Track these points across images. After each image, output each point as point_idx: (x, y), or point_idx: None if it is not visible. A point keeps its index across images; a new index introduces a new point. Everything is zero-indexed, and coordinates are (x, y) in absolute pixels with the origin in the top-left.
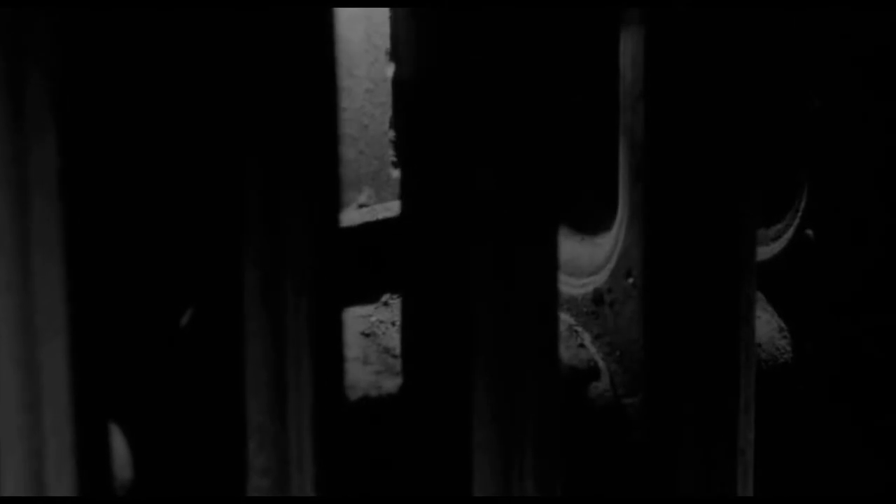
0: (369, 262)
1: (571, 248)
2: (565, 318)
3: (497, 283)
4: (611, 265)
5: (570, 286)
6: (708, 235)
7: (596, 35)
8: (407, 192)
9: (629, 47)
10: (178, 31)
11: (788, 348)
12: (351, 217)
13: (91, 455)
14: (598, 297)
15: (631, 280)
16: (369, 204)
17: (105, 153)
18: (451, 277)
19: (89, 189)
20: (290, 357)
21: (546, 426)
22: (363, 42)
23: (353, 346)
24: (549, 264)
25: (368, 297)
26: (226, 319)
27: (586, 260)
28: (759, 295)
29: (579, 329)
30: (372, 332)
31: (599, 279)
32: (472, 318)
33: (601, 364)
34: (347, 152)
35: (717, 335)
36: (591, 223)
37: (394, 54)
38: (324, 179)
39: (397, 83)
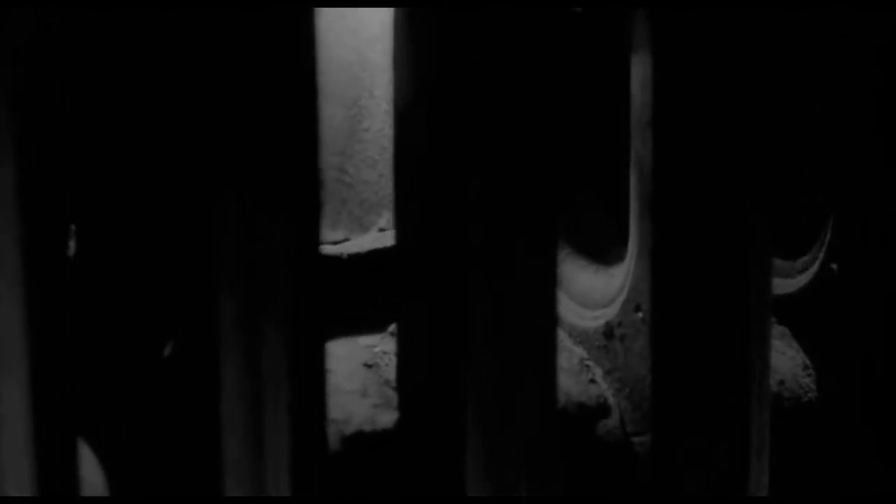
0: (379, 289)
1: (586, 279)
2: (578, 351)
3: (491, 317)
4: (621, 298)
5: (583, 319)
6: (717, 270)
7: (610, 52)
8: (401, 219)
9: (639, 70)
10: (145, 56)
11: (813, 386)
12: (361, 242)
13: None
14: (608, 332)
15: (640, 315)
16: (388, 228)
17: (77, 181)
18: (444, 308)
19: (61, 216)
20: (268, 391)
21: (544, 464)
22: (383, 61)
23: (354, 377)
24: (547, 294)
25: (376, 326)
26: (202, 352)
27: (600, 292)
28: (785, 330)
29: (591, 363)
30: (375, 363)
31: (611, 312)
32: (466, 352)
33: (611, 400)
34: (367, 174)
35: (727, 375)
36: (607, 253)
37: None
38: (301, 208)
39: (395, 105)
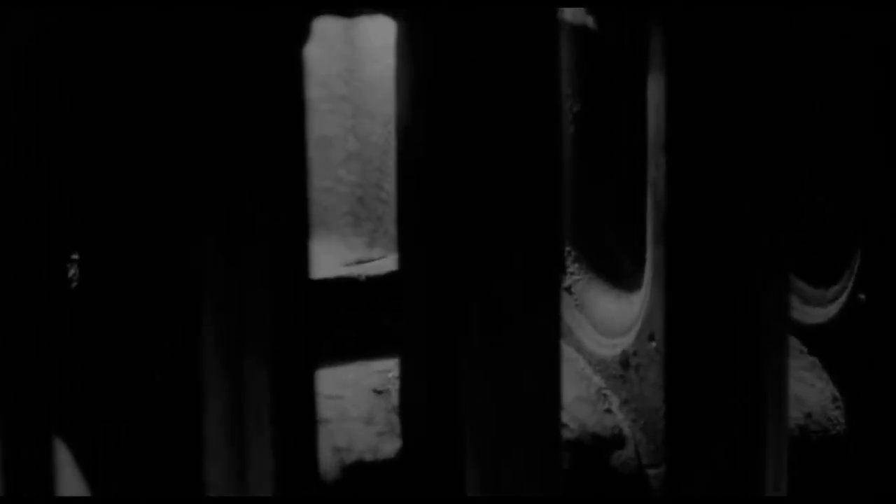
0: (394, 313)
1: (607, 305)
2: (596, 380)
3: (492, 345)
4: (637, 327)
5: (602, 346)
6: (731, 299)
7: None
8: (401, 243)
9: (654, 93)
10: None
11: (841, 419)
12: (381, 264)
13: None
14: (625, 361)
15: (654, 344)
16: None
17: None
18: (443, 337)
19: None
20: (251, 422)
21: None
22: None
23: (361, 404)
24: (551, 325)
25: (391, 350)
26: (185, 382)
27: (619, 319)
28: (815, 361)
29: (608, 393)
30: (385, 388)
31: (627, 341)
32: (464, 382)
33: (627, 431)
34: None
35: (742, 407)
36: (629, 279)
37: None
38: (281, 235)
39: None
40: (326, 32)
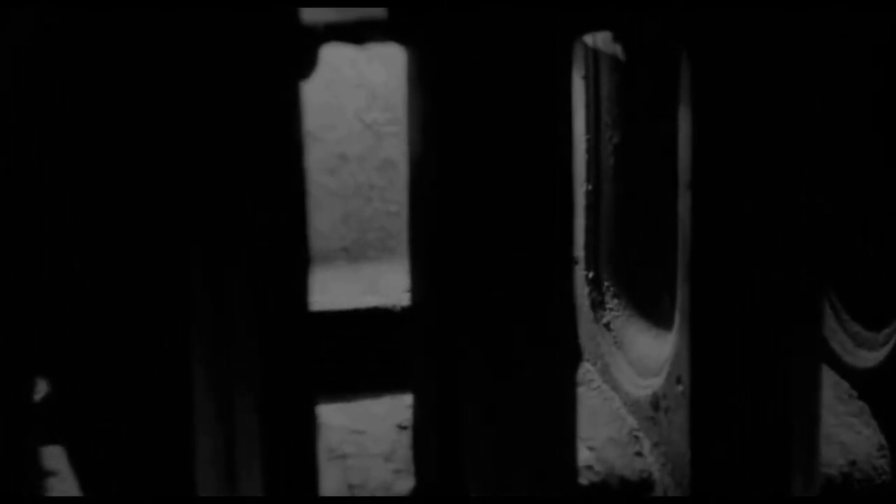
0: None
1: (644, 343)
2: (630, 421)
3: (497, 384)
4: (667, 368)
5: (637, 387)
6: (758, 344)
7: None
8: (413, 278)
9: (683, 126)
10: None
11: (887, 468)
12: (403, 297)
13: None
14: (655, 403)
15: (680, 387)
16: None
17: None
18: (448, 373)
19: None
20: (241, 458)
21: None
22: None
23: (383, 439)
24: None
25: None
26: (177, 416)
27: (654, 359)
28: (864, 406)
29: (641, 435)
30: (409, 424)
31: (657, 382)
32: (466, 424)
33: (656, 475)
34: None
35: (769, 456)
36: (667, 317)
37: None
38: (278, 266)
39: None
40: (391, 55)
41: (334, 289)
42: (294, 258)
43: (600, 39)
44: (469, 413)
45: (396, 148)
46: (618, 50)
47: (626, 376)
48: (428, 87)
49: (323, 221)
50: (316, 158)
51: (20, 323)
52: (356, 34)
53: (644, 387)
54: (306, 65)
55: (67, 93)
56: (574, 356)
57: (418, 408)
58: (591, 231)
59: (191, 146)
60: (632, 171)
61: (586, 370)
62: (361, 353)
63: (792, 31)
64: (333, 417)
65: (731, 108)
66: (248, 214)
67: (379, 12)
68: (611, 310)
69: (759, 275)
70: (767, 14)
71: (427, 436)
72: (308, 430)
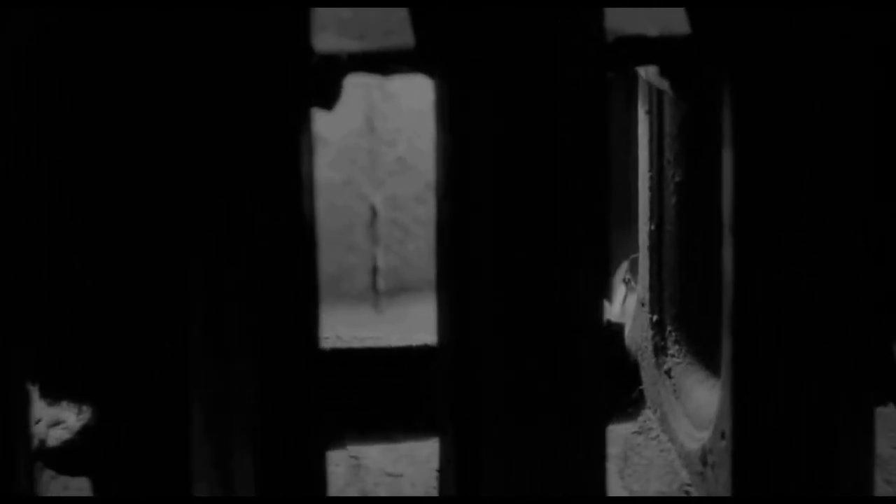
0: None
1: (701, 394)
2: (682, 475)
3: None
4: (714, 422)
5: (690, 439)
6: (800, 403)
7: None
8: (439, 320)
9: (726, 168)
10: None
11: None
12: None
13: None
14: (703, 457)
15: (724, 443)
16: None
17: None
18: (469, 420)
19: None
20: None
21: None
22: None
23: (420, 484)
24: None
25: None
26: (174, 454)
27: (708, 410)
28: None
29: (691, 490)
30: None
31: (706, 436)
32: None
33: None
34: None
35: None
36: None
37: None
38: (279, 300)
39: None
40: None
41: (418, 320)
42: (298, 298)
43: (651, 73)
44: (488, 460)
45: None
46: (665, 85)
47: (683, 427)
48: (453, 122)
49: (411, 251)
50: (406, 186)
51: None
52: (381, 64)
53: (697, 439)
54: (328, 96)
55: (67, 100)
56: (606, 405)
57: (442, 452)
58: (655, 273)
59: (191, 178)
60: (693, 210)
61: (646, 418)
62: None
63: (843, 74)
64: (374, 459)
65: (774, 151)
66: (252, 254)
67: (406, 41)
68: (672, 356)
69: (804, 328)
70: (817, 56)
71: (449, 481)
72: (312, 478)
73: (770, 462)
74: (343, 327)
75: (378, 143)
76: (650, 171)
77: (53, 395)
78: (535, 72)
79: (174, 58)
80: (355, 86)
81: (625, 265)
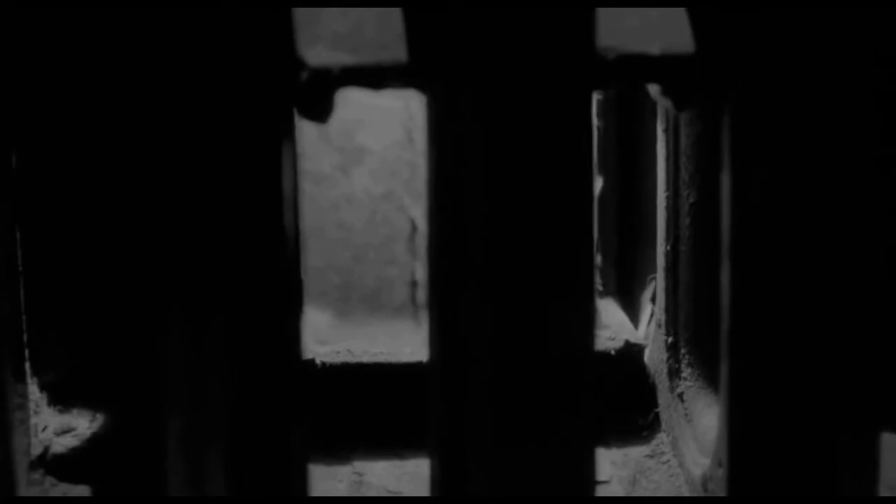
0: None
1: (709, 420)
2: None
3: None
4: (714, 449)
5: (696, 465)
6: (799, 433)
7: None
8: (430, 343)
9: (725, 190)
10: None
11: None
12: None
13: None
14: (704, 484)
15: (721, 471)
16: None
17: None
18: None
19: None
20: None
21: None
22: None
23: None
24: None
25: None
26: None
27: (713, 436)
28: None
29: None
30: None
31: (708, 463)
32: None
33: None
34: None
35: None
36: None
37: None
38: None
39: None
40: None
41: None
42: (273, 312)
43: (655, 92)
44: (475, 481)
45: None
46: (668, 104)
47: (690, 452)
48: (441, 139)
49: None
50: None
51: None
52: (374, 79)
53: (701, 465)
54: (319, 109)
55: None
56: (596, 429)
57: (431, 472)
58: (671, 293)
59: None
60: (707, 231)
61: (660, 442)
62: None
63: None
64: (379, 475)
65: (772, 176)
66: (228, 266)
67: (399, 56)
68: (685, 379)
69: (803, 353)
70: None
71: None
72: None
73: (767, 491)
74: (383, 338)
75: (417, 156)
76: (666, 190)
77: (65, 402)
78: (524, 90)
79: (149, 66)
80: (395, 97)
81: (653, 284)
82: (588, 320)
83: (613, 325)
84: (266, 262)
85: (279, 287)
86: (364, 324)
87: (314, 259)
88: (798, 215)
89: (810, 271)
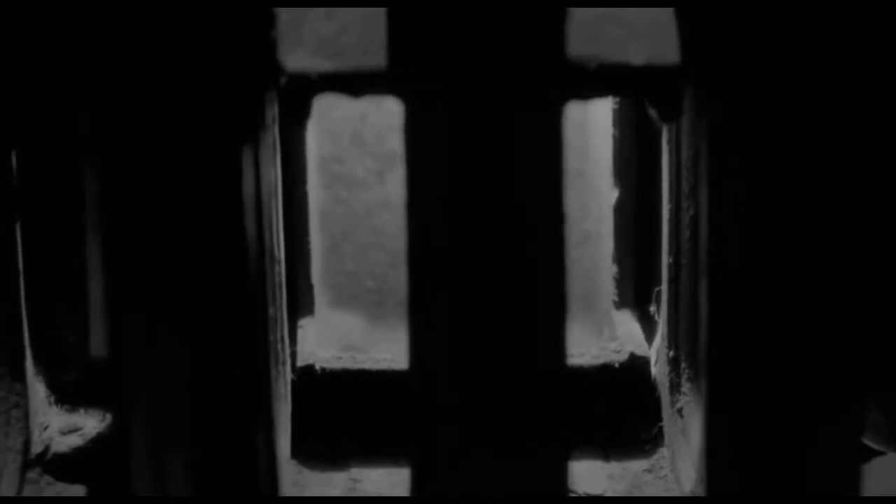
0: None
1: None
2: None
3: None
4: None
5: (688, 480)
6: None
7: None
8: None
9: (703, 205)
10: None
11: None
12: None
13: None
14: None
15: (702, 486)
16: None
17: None
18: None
19: None
20: None
21: None
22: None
23: None
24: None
25: None
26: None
27: None
28: None
29: None
30: None
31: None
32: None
33: None
34: None
35: None
36: None
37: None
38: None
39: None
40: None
41: None
42: (233, 317)
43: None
44: (447, 489)
45: (568, 201)
46: (654, 115)
47: (685, 468)
48: (414, 147)
49: None
50: None
51: None
52: (352, 85)
53: (691, 482)
54: (297, 114)
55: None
56: (568, 442)
57: (410, 478)
58: (672, 307)
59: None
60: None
61: (661, 456)
62: None
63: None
64: (374, 482)
65: (752, 191)
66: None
67: (378, 63)
68: (684, 394)
69: (778, 371)
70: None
71: None
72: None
73: None
74: None
75: None
76: (669, 203)
77: (75, 401)
78: (497, 97)
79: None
80: None
81: (659, 297)
82: (555, 327)
83: (623, 337)
84: (223, 265)
85: (237, 289)
86: (397, 328)
87: (348, 264)
88: (777, 234)
89: (789, 287)
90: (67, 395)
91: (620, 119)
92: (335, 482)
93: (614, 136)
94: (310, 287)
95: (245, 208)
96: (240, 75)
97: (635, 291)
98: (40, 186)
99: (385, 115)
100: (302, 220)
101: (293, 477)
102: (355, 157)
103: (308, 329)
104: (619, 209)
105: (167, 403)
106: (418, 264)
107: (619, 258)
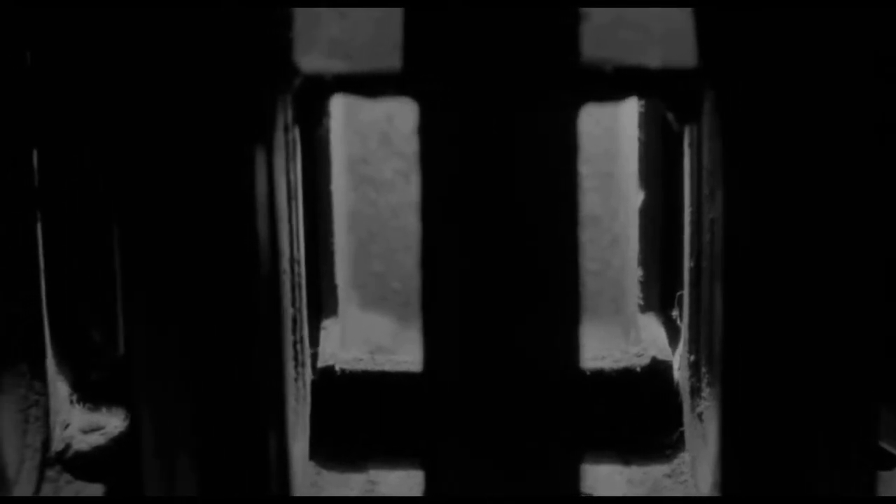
0: None
1: None
2: None
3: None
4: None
5: (706, 485)
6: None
7: None
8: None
9: (718, 209)
10: None
11: None
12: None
13: None
14: None
15: (717, 493)
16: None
17: None
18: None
19: None
20: None
21: None
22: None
23: None
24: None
25: None
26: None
27: None
28: None
29: None
30: None
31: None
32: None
33: None
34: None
35: None
36: None
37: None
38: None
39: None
40: (595, 110)
41: None
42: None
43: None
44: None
45: (597, 203)
46: (671, 118)
47: (704, 472)
48: (428, 150)
49: None
50: None
51: None
52: (367, 86)
53: (709, 484)
54: (313, 116)
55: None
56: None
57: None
58: (693, 311)
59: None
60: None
61: (682, 461)
62: None
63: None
64: (392, 485)
65: (768, 195)
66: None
67: (393, 64)
68: (704, 399)
69: (792, 375)
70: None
71: None
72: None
73: None
74: None
75: None
76: (691, 206)
77: (98, 400)
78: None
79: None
80: None
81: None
82: (568, 333)
83: (646, 341)
84: (234, 267)
85: (249, 291)
86: None
87: (375, 265)
88: (794, 240)
89: (803, 292)
90: (91, 394)
91: (646, 122)
92: (353, 484)
93: (640, 139)
94: (333, 288)
95: (257, 209)
96: (253, 77)
97: (661, 295)
98: (72, 187)
99: (412, 116)
100: (326, 221)
101: (311, 478)
102: (383, 158)
103: (331, 330)
104: (645, 212)
105: (174, 404)
106: (431, 266)
107: (645, 261)
